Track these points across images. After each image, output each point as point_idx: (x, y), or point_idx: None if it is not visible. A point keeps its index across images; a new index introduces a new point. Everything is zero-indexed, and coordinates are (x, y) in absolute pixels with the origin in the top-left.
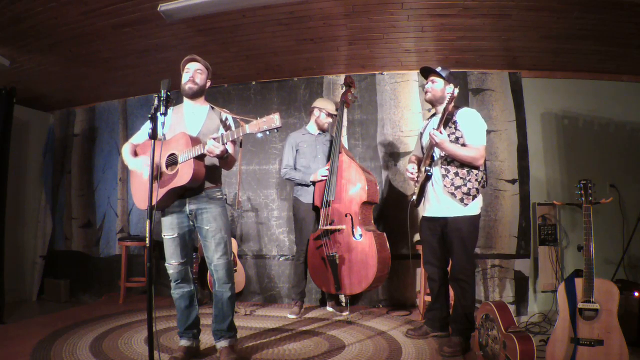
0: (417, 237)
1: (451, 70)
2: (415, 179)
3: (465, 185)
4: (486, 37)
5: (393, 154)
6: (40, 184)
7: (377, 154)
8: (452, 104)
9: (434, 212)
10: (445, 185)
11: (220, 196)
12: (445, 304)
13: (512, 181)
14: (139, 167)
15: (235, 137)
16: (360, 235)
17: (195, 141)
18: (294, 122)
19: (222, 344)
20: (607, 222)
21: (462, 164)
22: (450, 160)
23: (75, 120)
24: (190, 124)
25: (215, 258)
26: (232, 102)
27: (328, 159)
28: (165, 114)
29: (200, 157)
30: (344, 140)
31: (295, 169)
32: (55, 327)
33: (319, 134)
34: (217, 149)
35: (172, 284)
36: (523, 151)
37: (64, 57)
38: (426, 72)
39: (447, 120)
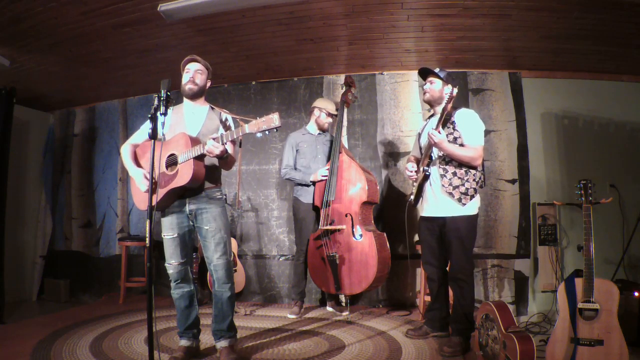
0: (417, 237)
1: (449, 71)
2: (414, 177)
3: (463, 185)
4: (486, 37)
5: (393, 154)
6: (40, 184)
7: (377, 154)
8: (451, 104)
9: (432, 211)
10: (443, 185)
11: (220, 196)
12: (445, 304)
13: (512, 181)
14: (137, 179)
15: (235, 137)
16: (361, 235)
17: (195, 141)
18: (294, 122)
19: (222, 344)
20: (607, 222)
21: (460, 164)
22: (448, 160)
23: (75, 120)
24: (190, 124)
25: (214, 258)
26: (232, 102)
27: (328, 159)
28: (165, 114)
29: (200, 158)
30: (344, 140)
31: (295, 169)
32: (55, 327)
33: (319, 134)
34: (217, 149)
35: (172, 284)
36: (523, 151)
37: (64, 57)
38: (424, 73)
39: (446, 120)
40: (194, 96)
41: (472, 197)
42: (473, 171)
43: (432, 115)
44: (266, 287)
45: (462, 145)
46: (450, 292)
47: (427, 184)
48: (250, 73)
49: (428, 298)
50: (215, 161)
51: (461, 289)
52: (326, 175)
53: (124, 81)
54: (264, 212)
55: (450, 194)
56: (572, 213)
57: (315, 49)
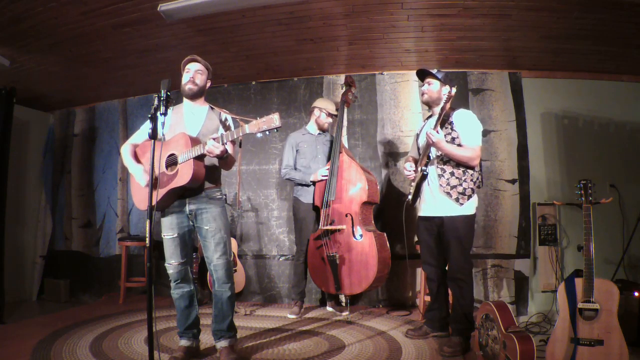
0: (417, 237)
1: (448, 71)
2: (412, 177)
3: (460, 185)
4: (486, 37)
5: (393, 154)
6: (40, 184)
7: (377, 154)
8: (449, 104)
9: (430, 211)
10: (441, 185)
11: (220, 196)
12: (445, 303)
13: (512, 181)
14: (137, 175)
15: (235, 137)
16: (361, 236)
17: (194, 141)
18: (294, 122)
19: (222, 344)
20: (607, 222)
21: (458, 164)
22: (446, 160)
23: (75, 120)
24: (190, 124)
25: (214, 258)
26: (232, 102)
27: (328, 159)
28: (165, 114)
29: (200, 158)
30: (344, 140)
31: (295, 169)
32: (55, 327)
33: (319, 134)
34: (217, 149)
35: (172, 284)
36: (523, 151)
37: (64, 57)
38: (422, 74)
39: (444, 120)
40: (193, 96)
41: (469, 197)
42: (471, 171)
43: (430, 116)
44: (266, 287)
45: (460, 145)
46: (450, 292)
47: (425, 184)
48: (250, 73)
49: (428, 298)
50: (215, 161)
51: (460, 289)
52: (326, 175)
53: (124, 81)
54: (264, 212)
55: (448, 193)
56: (572, 213)
57: (315, 49)
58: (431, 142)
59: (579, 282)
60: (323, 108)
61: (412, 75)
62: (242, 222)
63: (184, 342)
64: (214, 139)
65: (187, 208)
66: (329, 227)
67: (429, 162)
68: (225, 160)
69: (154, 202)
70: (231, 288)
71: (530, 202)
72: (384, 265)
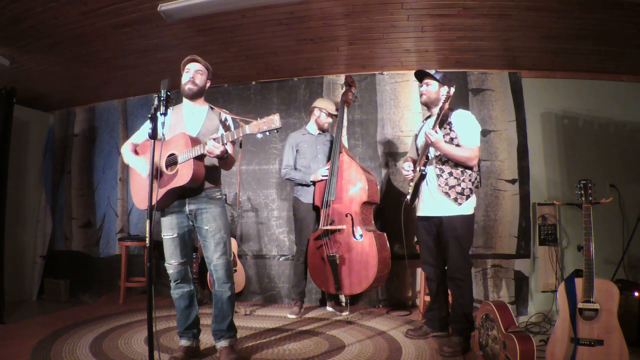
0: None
1: (446, 71)
2: (411, 177)
3: (459, 185)
4: (486, 37)
5: (393, 154)
6: (40, 184)
7: (377, 154)
8: (448, 104)
9: (429, 211)
10: (439, 185)
11: (220, 196)
12: (445, 303)
13: (512, 181)
14: (139, 166)
15: (235, 137)
16: (361, 236)
17: (195, 141)
18: (294, 122)
19: (222, 344)
20: (607, 222)
21: (457, 164)
22: (444, 160)
23: (75, 120)
24: (190, 125)
25: (214, 258)
26: (232, 102)
27: (328, 159)
28: (165, 114)
29: (200, 158)
30: (344, 140)
31: (295, 169)
32: (55, 327)
33: (319, 134)
34: (217, 149)
35: (172, 284)
36: (523, 151)
37: (64, 57)
38: (420, 75)
39: (443, 121)
40: (193, 96)
41: (468, 197)
42: (469, 171)
43: (429, 116)
44: (266, 287)
45: (458, 145)
46: (450, 292)
47: (423, 184)
48: (250, 73)
49: (428, 298)
50: (215, 161)
51: (460, 289)
52: (326, 175)
53: (124, 81)
54: (264, 212)
55: (447, 193)
56: (572, 213)
57: (315, 49)
58: (430, 142)
59: (579, 282)
60: (323, 108)
61: (412, 75)
62: (242, 222)
63: (184, 342)
64: (214, 139)
65: (187, 208)
66: (329, 227)
67: (427, 162)
68: (226, 160)
69: (153, 202)
70: (231, 288)
71: (530, 202)
72: (384, 265)
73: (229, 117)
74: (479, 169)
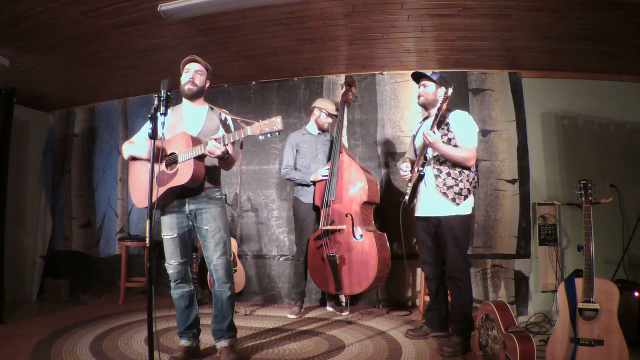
0: None
1: (441, 73)
2: (409, 177)
3: (457, 185)
4: (486, 37)
5: (393, 154)
6: (40, 184)
7: (377, 154)
8: (446, 104)
9: (427, 211)
10: (437, 185)
11: (220, 196)
12: (444, 303)
13: (512, 181)
14: (138, 150)
15: (237, 138)
16: (361, 236)
17: (195, 141)
18: (294, 122)
19: (222, 344)
20: (607, 222)
21: (454, 164)
22: (442, 160)
23: (75, 120)
24: (190, 125)
25: (214, 258)
26: (232, 102)
27: (328, 159)
28: (165, 114)
29: (200, 158)
30: (344, 140)
31: (295, 169)
32: (55, 327)
33: (319, 134)
34: (219, 149)
35: (172, 284)
36: (523, 151)
37: (64, 57)
38: (417, 77)
39: (440, 121)
40: (193, 97)
41: (465, 197)
42: (467, 172)
43: (426, 117)
44: (266, 287)
45: (456, 146)
46: (448, 292)
47: (421, 184)
48: (250, 73)
49: (428, 298)
50: (216, 161)
51: (459, 289)
52: (326, 175)
53: (124, 81)
54: (264, 212)
55: (445, 194)
56: (572, 213)
57: (315, 49)
58: (428, 143)
59: (579, 282)
60: (323, 108)
61: None
62: (242, 222)
63: (184, 342)
64: (215, 139)
65: (187, 208)
66: (329, 227)
67: (425, 162)
68: (226, 160)
69: (153, 201)
70: (231, 288)
71: (530, 202)
72: (384, 265)
73: (229, 117)
74: (477, 169)
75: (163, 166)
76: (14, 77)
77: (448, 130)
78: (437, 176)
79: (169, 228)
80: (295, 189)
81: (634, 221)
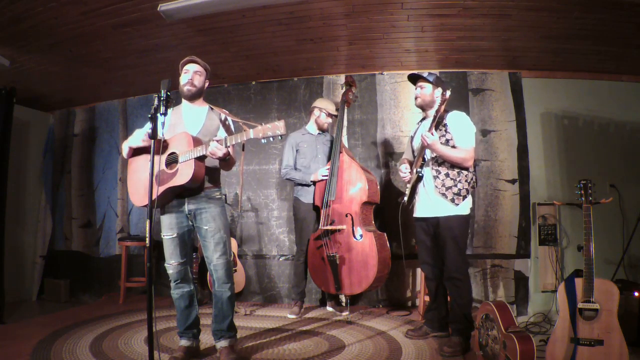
0: None
1: (437, 74)
2: (408, 178)
3: (455, 185)
4: (486, 37)
5: (393, 154)
6: (40, 184)
7: (377, 154)
8: (444, 106)
9: (426, 212)
10: (436, 186)
11: (220, 196)
12: (444, 303)
13: (512, 181)
14: (135, 139)
15: (239, 141)
16: (361, 236)
17: (197, 142)
18: (294, 122)
19: (222, 344)
20: (607, 222)
21: (453, 165)
22: (441, 161)
23: (75, 120)
24: (190, 125)
25: (214, 258)
26: (232, 102)
27: (328, 159)
28: (165, 114)
29: (201, 158)
30: (344, 140)
31: (295, 169)
32: (55, 327)
33: (319, 134)
34: (220, 151)
35: (172, 284)
36: (523, 151)
37: (64, 57)
38: (414, 79)
39: (438, 123)
40: (192, 97)
41: (464, 197)
42: (465, 172)
43: (424, 119)
44: (266, 287)
45: (454, 147)
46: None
47: (420, 185)
48: (250, 73)
49: (428, 298)
50: (216, 162)
51: (457, 289)
52: (326, 175)
53: (124, 81)
54: (264, 212)
55: (443, 194)
56: (572, 213)
57: (315, 49)
58: (426, 144)
59: (579, 282)
60: (323, 108)
61: None
62: (242, 222)
63: (184, 342)
64: (217, 141)
65: (187, 208)
66: (329, 227)
67: (424, 163)
68: (227, 162)
69: (153, 198)
70: (231, 288)
71: (530, 202)
72: (384, 265)
73: (229, 117)
74: (475, 169)
75: (163, 165)
76: (14, 77)
77: (446, 131)
78: (435, 177)
79: (169, 228)
80: (295, 189)
81: (634, 221)
